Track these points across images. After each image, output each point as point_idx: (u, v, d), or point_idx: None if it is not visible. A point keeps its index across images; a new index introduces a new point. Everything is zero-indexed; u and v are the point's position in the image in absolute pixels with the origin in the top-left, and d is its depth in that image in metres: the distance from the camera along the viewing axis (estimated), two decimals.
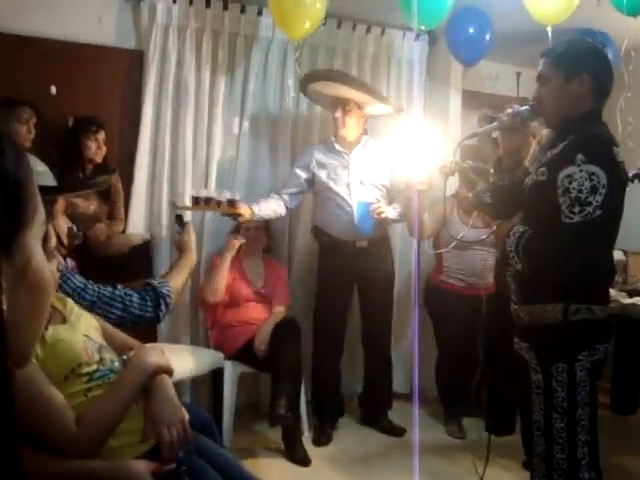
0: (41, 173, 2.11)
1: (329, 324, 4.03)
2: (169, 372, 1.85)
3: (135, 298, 2.10)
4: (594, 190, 2.00)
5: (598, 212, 2.00)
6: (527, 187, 2.28)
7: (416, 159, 3.51)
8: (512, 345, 2.40)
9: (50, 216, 1.88)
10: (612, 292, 3.14)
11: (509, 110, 2.37)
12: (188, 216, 3.69)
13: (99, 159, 3.81)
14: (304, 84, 4.06)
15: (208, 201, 3.63)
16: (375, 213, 3.86)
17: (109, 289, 2.09)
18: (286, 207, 4.02)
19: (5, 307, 0.59)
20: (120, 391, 1.71)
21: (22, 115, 3.49)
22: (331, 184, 3.99)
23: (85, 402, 1.67)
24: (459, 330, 4.01)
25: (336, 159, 4.03)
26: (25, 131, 3.47)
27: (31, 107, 3.56)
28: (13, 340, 0.60)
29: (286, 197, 4.01)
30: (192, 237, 2.44)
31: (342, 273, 3.98)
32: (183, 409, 1.81)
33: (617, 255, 3.90)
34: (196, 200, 3.66)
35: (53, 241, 1.67)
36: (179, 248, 2.44)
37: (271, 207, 3.93)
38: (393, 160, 4.02)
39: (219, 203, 3.64)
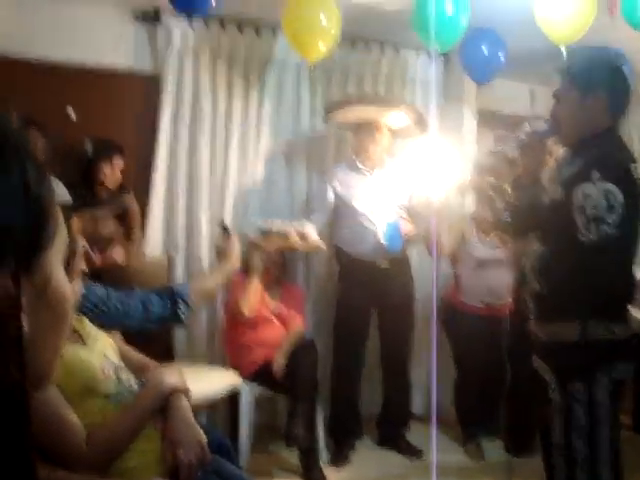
0: (59, 196, 2.13)
1: (349, 344, 4.02)
2: (186, 393, 1.84)
3: (154, 299, 2.14)
4: (610, 208, 1.99)
5: (614, 230, 1.99)
6: (544, 205, 2.27)
7: (434, 178, 3.50)
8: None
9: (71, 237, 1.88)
10: (634, 311, 3.10)
11: (526, 129, 2.36)
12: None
13: (111, 185, 3.83)
14: (327, 113, 4.12)
15: (277, 234, 3.67)
16: (404, 233, 3.88)
17: (128, 292, 2.13)
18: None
19: (25, 326, 0.59)
20: (133, 411, 1.71)
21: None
22: (355, 204, 4.01)
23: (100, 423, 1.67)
24: (477, 350, 3.98)
25: (360, 179, 4.06)
26: None
27: (39, 129, 3.57)
28: (32, 361, 0.60)
29: (317, 222, 4.00)
30: (235, 246, 2.44)
31: (363, 293, 3.97)
32: (201, 430, 1.80)
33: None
34: (264, 232, 3.67)
35: (82, 263, 1.68)
36: (219, 256, 2.45)
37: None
38: (412, 180, 4.02)
39: (291, 236, 3.65)
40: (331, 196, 4.05)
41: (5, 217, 0.56)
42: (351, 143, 4.21)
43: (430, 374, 3.76)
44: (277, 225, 3.70)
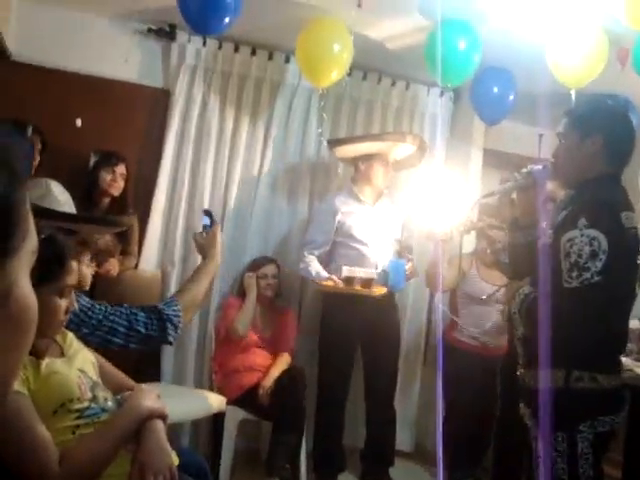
0: (62, 203, 2.11)
1: (333, 375, 3.95)
2: (163, 417, 1.80)
3: (141, 317, 2.03)
4: (593, 255, 1.96)
5: (597, 278, 1.96)
6: (538, 248, 2.25)
7: (438, 209, 3.50)
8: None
9: (77, 250, 1.84)
10: (627, 361, 3.06)
11: (524, 169, 2.36)
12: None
13: (115, 192, 3.80)
14: (331, 146, 4.14)
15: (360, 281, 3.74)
16: (408, 272, 3.90)
17: (115, 307, 2.04)
18: None
19: None
20: (111, 433, 1.67)
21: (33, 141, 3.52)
22: (355, 233, 3.99)
23: (72, 440, 1.63)
24: (469, 391, 3.91)
25: (360, 209, 4.05)
26: None
27: (37, 132, 3.58)
28: None
29: (322, 255, 4.04)
30: (218, 239, 2.23)
31: (348, 324, 3.90)
32: (173, 456, 1.75)
33: (633, 324, 3.81)
34: (349, 280, 3.75)
35: (71, 279, 1.65)
36: (202, 251, 2.25)
37: None
38: (406, 213, 4.03)
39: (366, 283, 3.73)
40: (332, 228, 4.01)
41: None
42: (354, 173, 4.18)
43: (437, 412, 3.67)
44: (360, 272, 3.76)
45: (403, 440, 4.48)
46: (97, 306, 2.00)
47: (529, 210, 2.39)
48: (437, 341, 3.65)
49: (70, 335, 1.83)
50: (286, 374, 3.69)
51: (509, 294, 2.39)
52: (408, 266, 3.92)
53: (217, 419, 3.75)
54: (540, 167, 2.32)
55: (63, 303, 1.65)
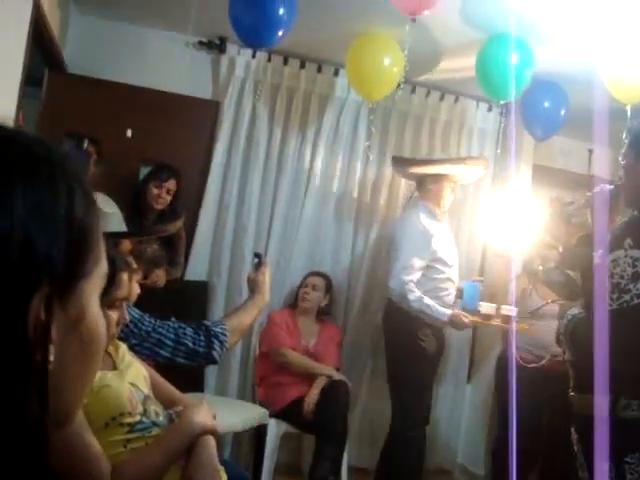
0: (110, 215, 2.14)
1: (424, 398, 3.79)
2: (215, 434, 1.80)
3: (189, 331, 2.07)
4: (635, 277, 1.89)
5: (637, 300, 1.88)
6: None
7: (512, 229, 3.46)
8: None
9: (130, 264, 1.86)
10: None
11: (596, 189, 2.29)
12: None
13: (159, 206, 3.79)
14: (403, 164, 4.04)
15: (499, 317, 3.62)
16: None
17: (163, 321, 2.08)
18: None
19: (52, 358, 0.56)
20: (164, 448, 1.67)
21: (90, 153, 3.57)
22: (443, 257, 3.77)
23: (123, 453, 1.63)
24: (524, 408, 3.80)
25: (440, 230, 3.82)
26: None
27: (93, 144, 3.63)
28: (56, 396, 0.57)
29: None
30: (267, 278, 2.35)
31: (439, 345, 3.80)
32: (222, 473, 1.75)
33: None
34: (488, 317, 3.62)
35: (122, 292, 1.66)
36: (252, 287, 2.34)
37: None
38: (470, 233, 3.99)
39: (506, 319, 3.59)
40: (430, 250, 3.74)
41: (46, 242, 0.54)
42: (421, 191, 3.97)
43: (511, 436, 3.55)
44: (486, 308, 3.62)
45: (446, 458, 4.42)
46: (147, 318, 2.02)
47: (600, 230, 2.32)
48: (509, 361, 3.49)
49: (123, 347, 1.85)
50: (330, 388, 3.67)
51: (560, 314, 2.33)
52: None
53: (259, 432, 3.75)
54: (611, 187, 2.26)
55: (114, 315, 1.66)
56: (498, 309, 3.60)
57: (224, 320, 2.20)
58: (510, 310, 3.57)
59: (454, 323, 3.63)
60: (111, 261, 1.65)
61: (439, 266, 3.74)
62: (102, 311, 1.58)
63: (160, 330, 2.02)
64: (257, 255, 2.52)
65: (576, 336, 2.03)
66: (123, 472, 1.55)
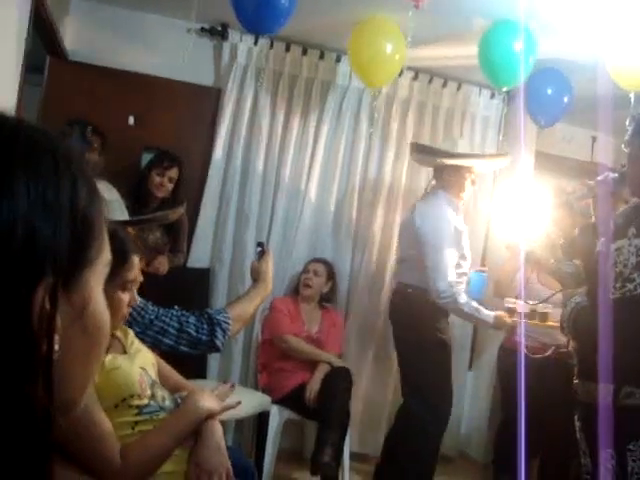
0: (111, 202, 2.14)
1: (449, 393, 3.71)
2: (220, 413, 1.85)
3: (192, 319, 2.09)
4: (639, 266, 1.89)
5: None
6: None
7: (520, 220, 3.44)
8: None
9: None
10: None
11: (599, 178, 2.28)
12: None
13: (161, 194, 3.78)
14: (417, 152, 3.94)
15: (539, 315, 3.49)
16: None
17: (167, 309, 2.10)
18: None
19: (57, 348, 0.56)
20: (171, 431, 1.71)
21: (92, 142, 3.57)
22: (465, 252, 3.66)
23: (131, 435, 1.67)
24: (527, 396, 3.80)
25: (461, 223, 3.72)
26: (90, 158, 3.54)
27: (98, 134, 3.62)
28: (61, 385, 0.57)
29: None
30: (270, 267, 2.39)
31: (450, 334, 3.73)
32: (228, 457, 1.77)
33: None
34: (531, 315, 3.48)
35: (133, 273, 1.68)
36: (255, 276, 2.38)
37: None
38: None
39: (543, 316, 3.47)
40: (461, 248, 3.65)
41: (49, 233, 0.54)
42: (439, 180, 3.79)
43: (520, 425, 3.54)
44: (524, 306, 3.48)
45: (447, 445, 4.43)
46: (150, 306, 2.04)
47: (602, 219, 2.31)
48: (518, 353, 3.42)
49: (131, 333, 1.87)
50: (333, 375, 3.68)
51: (563, 302, 2.33)
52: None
53: (261, 418, 3.77)
54: (615, 175, 2.25)
55: (125, 297, 1.68)
56: (533, 307, 3.49)
57: (227, 308, 2.21)
58: (545, 307, 3.46)
59: (498, 325, 3.51)
60: (123, 243, 1.67)
61: (462, 261, 3.63)
62: (114, 292, 1.62)
63: (163, 318, 2.04)
64: (260, 244, 2.55)
65: (579, 324, 2.03)
66: (132, 452, 1.59)
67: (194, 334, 2.07)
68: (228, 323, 2.13)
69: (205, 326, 2.09)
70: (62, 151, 0.59)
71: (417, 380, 3.62)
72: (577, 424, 2.20)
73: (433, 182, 3.88)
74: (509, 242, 3.70)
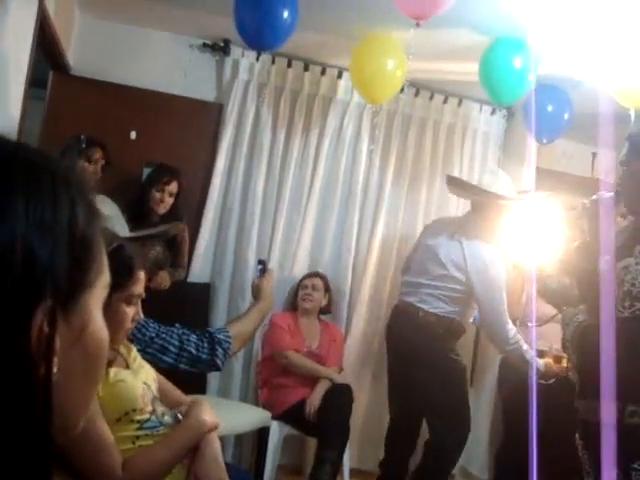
0: (111, 217, 2.15)
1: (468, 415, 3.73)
2: (216, 428, 1.84)
3: (193, 338, 2.09)
4: None
5: None
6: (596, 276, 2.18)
7: (529, 241, 3.42)
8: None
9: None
10: None
11: (594, 197, 2.28)
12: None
13: (161, 210, 3.77)
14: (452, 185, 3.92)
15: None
16: None
17: (168, 327, 2.09)
18: None
19: (56, 370, 0.56)
20: (173, 445, 1.72)
21: (93, 155, 3.59)
22: None
23: (132, 449, 1.67)
24: (527, 411, 3.79)
25: None
26: (91, 171, 3.56)
27: (102, 149, 3.64)
28: (60, 406, 0.57)
29: None
30: (271, 285, 2.39)
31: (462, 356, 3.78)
32: (225, 472, 1.77)
33: None
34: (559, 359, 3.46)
35: (139, 288, 1.68)
36: (256, 293, 2.38)
37: None
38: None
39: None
40: None
41: (48, 254, 0.54)
42: (480, 214, 3.71)
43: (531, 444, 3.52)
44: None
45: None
46: (151, 324, 2.03)
47: (597, 237, 2.31)
48: (530, 377, 3.38)
49: (134, 350, 1.87)
50: (333, 391, 3.67)
51: (565, 320, 2.32)
52: None
53: (261, 434, 3.75)
54: (609, 195, 2.25)
55: (130, 311, 1.68)
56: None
57: (228, 327, 2.21)
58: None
59: (547, 374, 3.45)
60: (130, 257, 1.67)
61: None
62: (119, 306, 1.62)
63: (164, 336, 2.03)
64: (261, 262, 2.55)
65: (584, 342, 2.02)
66: (134, 465, 1.59)
67: (194, 352, 2.06)
68: (229, 342, 2.12)
69: (206, 345, 2.08)
70: (61, 173, 0.60)
71: (436, 405, 3.60)
72: (579, 443, 2.19)
73: (470, 212, 3.82)
74: (516, 261, 3.68)
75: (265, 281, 2.37)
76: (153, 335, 2.02)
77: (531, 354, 3.42)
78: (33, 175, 0.57)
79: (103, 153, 3.64)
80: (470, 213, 3.81)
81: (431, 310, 3.58)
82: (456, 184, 3.91)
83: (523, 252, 3.55)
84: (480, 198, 3.66)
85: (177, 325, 2.12)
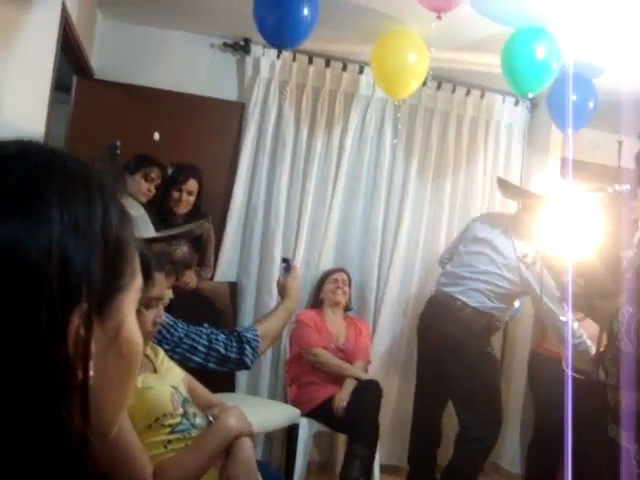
0: (136, 218, 2.16)
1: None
2: (251, 435, 1.85)
3: (221, 337, 2.10)
4: None
5: None
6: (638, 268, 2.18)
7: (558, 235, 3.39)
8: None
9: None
10: None
11: (609, 189, 2.27)
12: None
13: (182, 209, 3.76)
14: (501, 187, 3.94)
15: None
16: None
17: (196, 327, 2.10)
18: None
19: (92, 373, 0.57)
20: (203, 452, 1.71)
21: (150, 174, 3.61)
22: None
23: (164, 454, 1.67)
24: (558, 403, 3.77)
25: None
26: (146, 189, 3.58)
27: (160, 169, 3.66)
28: (97, 410, 0.58)
29: None
30: (297, 283, 2.39)
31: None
32: (259, 475, 1.78)
33: None
34: None
35: (157, 290, 1.69)
36: (282, 292, 2.38)
37: None
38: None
39: None
40: None
41: (83, 259, 0.55)
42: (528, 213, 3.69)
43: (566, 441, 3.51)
44: None
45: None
46: (180, 324, 2.05)
47: (611, 229, 2.31)
48: (566, 372, 3.35)
49: (161, 351, 1.88)
50: (362, 387, 3.67)
51: (611, 313, 2.29)
52: None
53: (291, 431, 3.76)
54: (627, 187, 2.24)
55: (150, 314, 1.68)
56: None
57: (255, 326, 2.21)
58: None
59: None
60: (145, 259, 1.68)
61: None
62: (138, 309, 1.63)
63: (193, 336, 2.04)
64: (285, 260, 2.56)
65: None
66: (164, 473, 1.59)
67: (223, 352, 2.07)
68: (257, 341, 2.13)
69: (234, 344, 2.09)
70: (95, 178, 0.60)
71: (473, 398, 3.63)
72: (620, 433, 2.19)
73: (521, 211, 3.81)
74: (558, 256, 3.63)
75: (290, 279, 2.37)
76: (182, 335, 2.03)
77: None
78: (68, 181, 0.58)
79: (160, 173, 3.67)
80: (521, 212, 3.79)
81: (471, 304, 3.60)
82: (507, 187, 3.91)
83: (565, 248, 3.50)
84: (531, 201, 3.62)
85: (205, 325, 2.13)
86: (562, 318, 3.38)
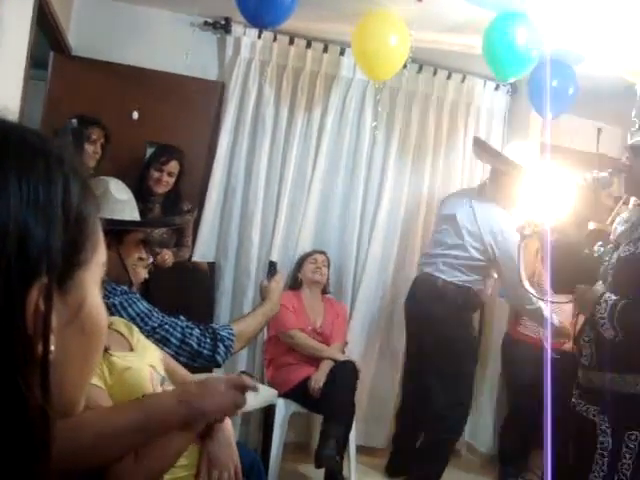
0: (123, 201, 2.15)
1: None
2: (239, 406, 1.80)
3: (195, 332, 2.08)
4: None
5: None
6: (620, 258, 2.23)
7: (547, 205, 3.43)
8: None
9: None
10: None
11: (588, 175, 2.32)
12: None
13: (161, 189, 3.76)
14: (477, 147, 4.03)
15: None
16: None
17: (172, 318, 2.09)
18: None
19: (53, 348, 0.56)
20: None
21: (92, 135, 3.57)
22: None
23: None
24: (530, 384, 3.83)
25: None
26: (92, 151, 3.55)
27: (101, 128, 3.62)
28: (58, 386, 0.58)
29: None
30: (280, 287, 2.39)
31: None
32: (237, 453, 1.78)
33: None
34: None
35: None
36: (263, 294, 2.37)
37: None
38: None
39: None
40: None
41: (42, 232, 0.54)
42: (497, 180, 3.85)
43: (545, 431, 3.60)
44: None
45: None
46: (155, 314, 2.04)
47: (583, 214, 2.37)
48: (544, 356, 3.38)
49: (135, 329, 1.86)
50: (338, 367, 3.69)
51: (593, 299, 2.32)
52: None
53: (268, 412, 3.78)
54: (605, 175, 2.29)
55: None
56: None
57: (232, 324, 2.21)
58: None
59: (561, 333, 3.60)
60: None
61: None
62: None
63: (167, 327, 2.04)
64: (271, 263, 2.55)
65: (626, 319, 2.13)
66: (146, 453, 1.56)
67: (196, 347, 2.06)
68: (232, 340, 2.12)
69: (208, 340, 2.08)
70: (54, 151, 0.60)
71: (445, 376, 3.73)
72: (588, 407, 2.25)
73: (487, 180, 3.94)
74: (532, 221, 3.66)
75: (274, 282, 2.37)
76: (155, 325, 2.02)
77: (548, 312, 3.50)
78: (27, 154, 0.57)
79: (102, 132, 3.63)
80: (487, 181, 3.94)
81: (448, 279, 3.73)
82: (482, 147, 3.99)
83: (538, 215, 3.53)
84: (502, 166, 3.75)
85: (182, 317, 2.12)
86: (527, 287, 3.42)
